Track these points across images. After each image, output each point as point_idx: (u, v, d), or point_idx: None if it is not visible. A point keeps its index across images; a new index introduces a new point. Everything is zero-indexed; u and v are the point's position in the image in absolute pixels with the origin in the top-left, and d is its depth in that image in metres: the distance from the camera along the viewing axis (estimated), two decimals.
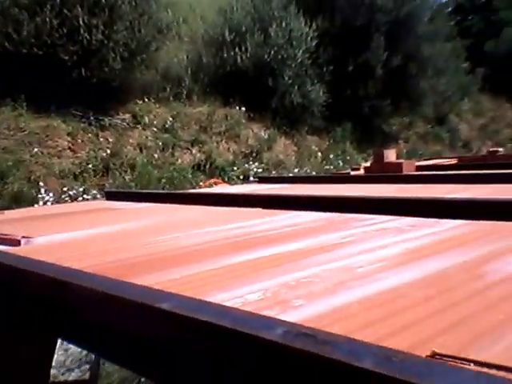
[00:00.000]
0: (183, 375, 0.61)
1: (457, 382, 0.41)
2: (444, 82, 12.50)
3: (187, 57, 9.27)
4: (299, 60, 9.45)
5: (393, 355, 0.46)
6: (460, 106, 15.21)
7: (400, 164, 3.85)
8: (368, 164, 4.24)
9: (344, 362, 0.45)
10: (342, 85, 10.78)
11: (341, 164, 10.51)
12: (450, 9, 13.03)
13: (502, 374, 0.53)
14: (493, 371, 0.53)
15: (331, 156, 10.73)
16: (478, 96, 15.50)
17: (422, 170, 4.01)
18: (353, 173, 4.12)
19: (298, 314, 0.73)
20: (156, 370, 0.63)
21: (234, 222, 1.74)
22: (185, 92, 8.96)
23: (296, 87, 9.45)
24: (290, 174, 8.97)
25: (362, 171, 4.14)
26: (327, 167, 10.39)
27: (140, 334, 0.63)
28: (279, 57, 9.08)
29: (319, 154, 10.74)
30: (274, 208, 2.08)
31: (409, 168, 3.88)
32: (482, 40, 16.14)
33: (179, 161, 8.23)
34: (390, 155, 4.03)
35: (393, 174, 3.61)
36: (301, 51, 9.40)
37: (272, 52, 8.98)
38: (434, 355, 0.59)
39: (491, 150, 4.40)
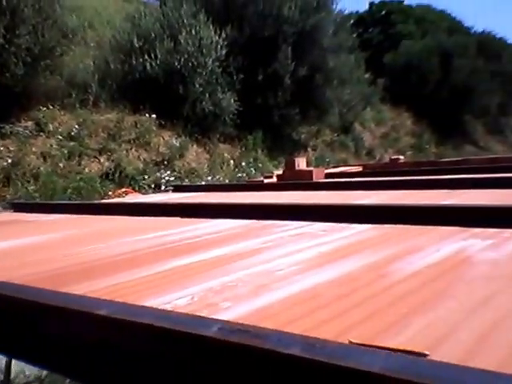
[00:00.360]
0: (126, 378, 0.64)
1: (371, 362, 0.50)
2: (348, 92, 13.19)
3: (94, 62, 9.00)
4: (210, 68, 9.54)
5: (316, 343, 0.54)
6: (363, 115, 16.08)
7: (310, 171, 4.05)
8: (280, 172, 4.40)
9: (275, 351, 0.52)
10: (253, 93, 11.02)
11: (253, 171, 10.71)
12: (352, 21, 13.78)
13: (408, 357, 0.63)
14: (400, 354, 0.63)
15: (243, 164, 10.90)
16: (380, 106, 16.50)
17: (330, 177, 4.23)
18: (266, 180, 4.26)
19: (227, 314, 0.80)
20: (98, 375, 0.66)
21: (154, 232, 1.76)
22: (91, 99, 8.69)
23: (207, 95, 9.52)
24: (203, 182, 9.02)
25: (274, 179, 4.29)
26: (240, 175, 10.53)
27: (80, 340, 0.66)
28: (189, 64, 9.10)
29: (232, 161, 10.87)
30: (192, 216, 2.13)
31: (319, 175, 4.09)
32: (382, 52, 17.23)
33: (86, 170, 7.96)
34: (301, 163, 4.22)
35: (304, 182, 3.79)
36: (211, 59, 9.49)
37: (182, 59, 8.99)
38: (350, 344, 0.68)
39: (393, 157, 4.76)
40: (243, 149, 11.54)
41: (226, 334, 0.57)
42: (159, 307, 0.83)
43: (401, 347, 0.65)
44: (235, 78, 10.24)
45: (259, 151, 11.72)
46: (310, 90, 11.98)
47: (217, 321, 0.63)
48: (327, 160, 13.40)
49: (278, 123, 12.12)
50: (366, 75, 15.52)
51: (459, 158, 4.45)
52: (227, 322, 0.63)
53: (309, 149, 14.48)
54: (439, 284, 0.93)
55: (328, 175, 4.27)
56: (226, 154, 11.05)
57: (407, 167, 4.32)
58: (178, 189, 3.99)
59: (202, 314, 0.80)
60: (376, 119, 16.41)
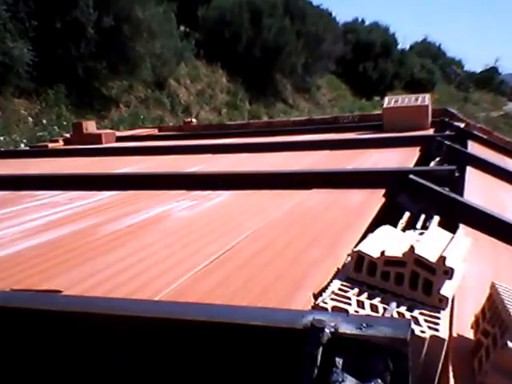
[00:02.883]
0: None
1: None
2: (160, 46, 13.23)
3: None
4: None
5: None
6: (178, 71, 16.25)
7: (99, 135, 4.21)
8: (68, 135, 4.46)
9: None
10: (51, 43, 10.47)
11: (57, 130, 10.30)
12: None
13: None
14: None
15: (45, 121, 10.42)
16: (194, 61, 16.83)
17: (122, 141, 4.44)
18: (51, 145, 4.29)
19: None
20: None
21: None
22: None
23: None
24: None
25: (61, 143, 4.34)
26: (41, 133, 10.06)
27: None
28: None
29: (30, 118, 10.32)
30: None
31: (109, 139, 4.27)
32: (196, 4, 17.41)
33: None
34: (90, 126, 4.35)
35: (90, 147, 3.94)
36: None
37: None
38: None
39: (186, 120, 5.14)
40: (44, 105, 10.99)
41: None
42: None
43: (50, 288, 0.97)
44: (27, 24, 9.61)
45: (63, 107, 11.27)
46: (118, 42, 11.78)
47: None
48: (142, 117, 13.42)
49: (84, 77, 11.73)
50: (182, 28, 15.70)
51: (244, 122, 5.03)
52: None
53: (121, 105, 14.27)
54: (125, 238, 1.28)
55: (120, 139, 4.47)
56: (22, 111, 10.44)
57: (198, 131, 4.74)
58: None
59: None
60: (191, 75, 16.75)
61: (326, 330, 0.56)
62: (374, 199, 1.53)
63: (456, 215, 1.47)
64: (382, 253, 0.85)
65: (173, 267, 1.01)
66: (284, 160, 2.62)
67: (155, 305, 0.78)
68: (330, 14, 19.47)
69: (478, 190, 1.92)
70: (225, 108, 16.97)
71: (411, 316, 0.78)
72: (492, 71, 39.53)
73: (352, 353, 0.56)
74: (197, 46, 16.02)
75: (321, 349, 0.55)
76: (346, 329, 0.57)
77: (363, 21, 22.60)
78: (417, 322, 0.76)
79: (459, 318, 0.89)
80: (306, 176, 1.74)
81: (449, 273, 0.80)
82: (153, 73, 14.49)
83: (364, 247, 0.88)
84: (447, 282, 0.84)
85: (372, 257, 0.86)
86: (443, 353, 0.74)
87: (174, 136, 4.57)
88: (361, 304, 0.79)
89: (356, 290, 0.84)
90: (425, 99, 3.09)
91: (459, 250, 0.89)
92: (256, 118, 14.85)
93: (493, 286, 0.83)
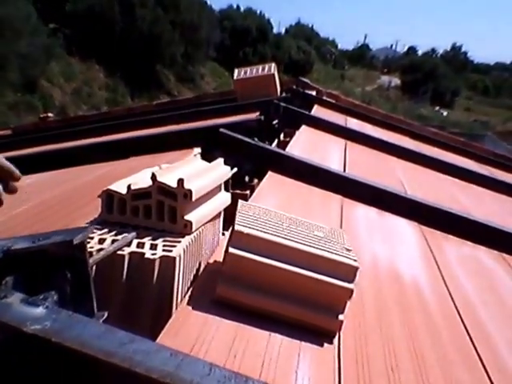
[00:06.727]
0: None
1: None
2: (25, 44, 12.50)
3: None
4: None
5: None
6: (50, 70, 15.46)
7: None
8: None
9: None
10: None
11: None
12: None
13: None
14: None
15: None
16: (67, 58, 16.08)
17: None
18: None
19: None
20: None
21: None
22: None
23: None
24: None
25: None
26: None
27: None
28: None
29: None
30: None
31: None
32: (63, 1, 16.65)
33: None
34: None
35: None
36: None
37: None
38: None
39: (42, 116, 4.89)
40: None
41: None
42: None
43: None
44: None
45: None
46: None
47: None
48: (12, 126, 12.61)
49: None
50: (52, 25, 14.97)
51: (105, 111, 4.91)
52: None
53: None
54: None
55: None
56: None
57: (55, 124, 4.57)
58: None
59: None
60: (65, 74, 15.98)
61: None
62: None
63: (265, 163, 1.54)
64: (129, 187, 0.85)
65: None
66: None
67: None
68: (206, 2, 19.46)
69: (304, 143, 2.01)
70: (105, 105, 16.40)
71: (151, 244, 0.79)
72: (363, 48, 41.95)
73: (27, 268, 0.55)
74: (68, 43, 15.35)
75: None
76: (19, 245, 0.56)
77: (238, 7, 22.90)
78: (154, 248, 0.78)
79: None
80: (124, 144, 1.72)
81: (188, 195, 0.81)
82: (21, 74, 13.67)
83: (114, 186, 0.88)
84: (198, 209, 0.86)
85: (121, 193, 0.85)
86: (176, 271, 0.75)
87: (34, 131, 4.37)
88: (102, 241, 0.79)
89: (104, 231, 0.83)
90: (271, 68, 3.17)
91: (212, 177, 0.92)
92: None
93: (238, 205, 0.86)
